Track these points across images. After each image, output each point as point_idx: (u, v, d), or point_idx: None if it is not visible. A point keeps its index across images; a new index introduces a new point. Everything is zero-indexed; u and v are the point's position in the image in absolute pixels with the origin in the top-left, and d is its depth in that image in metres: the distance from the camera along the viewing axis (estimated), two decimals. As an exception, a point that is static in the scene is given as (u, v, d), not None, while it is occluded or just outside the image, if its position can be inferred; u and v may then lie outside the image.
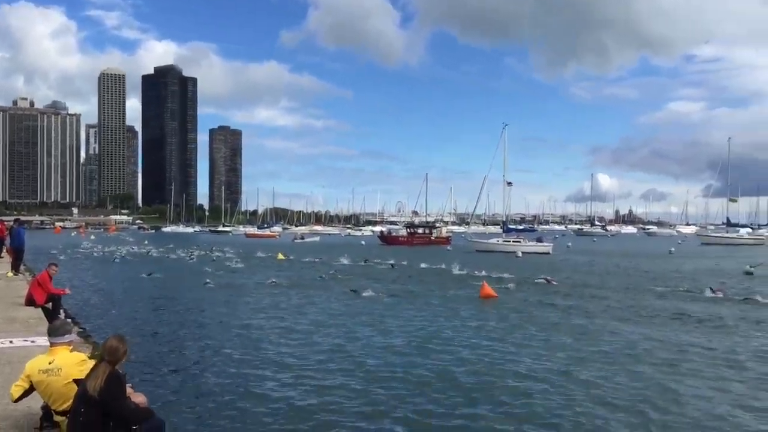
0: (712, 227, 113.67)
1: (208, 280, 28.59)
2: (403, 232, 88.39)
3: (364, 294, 24.27)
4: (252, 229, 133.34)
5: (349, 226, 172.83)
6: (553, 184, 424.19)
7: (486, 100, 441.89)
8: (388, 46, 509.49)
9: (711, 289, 24.50)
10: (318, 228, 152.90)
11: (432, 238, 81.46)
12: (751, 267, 34.65)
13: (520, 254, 53.83)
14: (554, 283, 28.18)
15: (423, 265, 39.81)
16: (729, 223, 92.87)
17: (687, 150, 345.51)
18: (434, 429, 8.79)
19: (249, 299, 23.23)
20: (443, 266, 38.40)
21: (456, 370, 12.11)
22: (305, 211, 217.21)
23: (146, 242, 76.09)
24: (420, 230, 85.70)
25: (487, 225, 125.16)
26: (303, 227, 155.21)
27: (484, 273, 31.74)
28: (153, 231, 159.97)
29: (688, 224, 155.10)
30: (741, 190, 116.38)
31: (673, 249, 67.01)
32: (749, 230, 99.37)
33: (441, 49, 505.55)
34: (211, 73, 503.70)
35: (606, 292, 25.72)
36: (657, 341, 15.08)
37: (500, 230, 68.87)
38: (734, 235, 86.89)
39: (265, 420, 9.09)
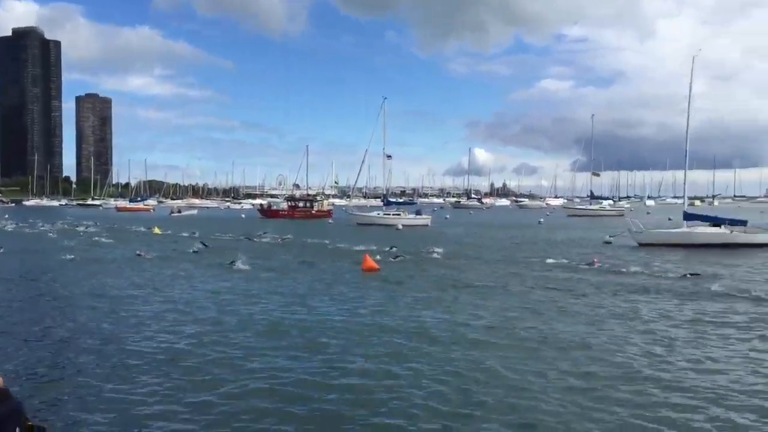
0: (578, 200, 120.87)
1: (71, 255, 27.09)
2: (284, 205, 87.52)
3: (241, 267, 23.94)
4: (124, 203, 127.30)
5: (228, 199, 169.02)
6: (433, 158, 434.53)
7: (367, 73, 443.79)
8: (269, 16, 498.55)
9: (593, 260, 25.59)
10: (196, 201, 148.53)
11: (313, 211, 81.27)
12: (610, 237, 37.12)
13: (400, 227, 54.86)
14: (437, 255, 28.80)
15: (304, 239, 39.71)
16: (592, 196, 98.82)
17: (556, 126, 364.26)
18: (301, 397, 8.81)
19: (117, 274, 22.30)
20: (325, 240, 38.46)
21: (332, 341, 12.18)
22: (182, 184, 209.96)
23: (6, 216, 70.96)
24: (301, 204, 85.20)
25: (369, 198, 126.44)
26: (180, 201, 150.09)
27: (365, 246, 32.07)
28: (13, 205, 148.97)
29: (556, 197, 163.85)
30: (604, 164, 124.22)
31: (542, 220, 70.93)
32: (611, 202, 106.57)
33: (323, 20, 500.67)
34: (78, 36, 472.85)
35: (483, 262, 26.71)
36: (529, 310, 15.85)
37: (381, 203, 69.59)
38: (597, 207, 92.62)
39: (132, 398, 8.76)
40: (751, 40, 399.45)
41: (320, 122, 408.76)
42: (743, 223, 35.50)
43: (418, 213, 63.21)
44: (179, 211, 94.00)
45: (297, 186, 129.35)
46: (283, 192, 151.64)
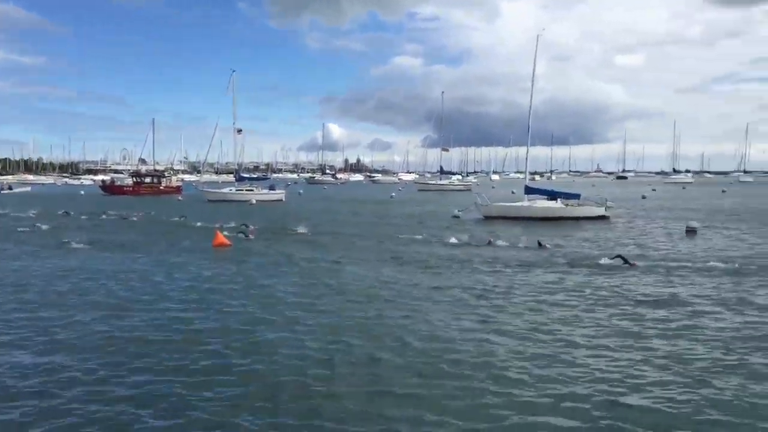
0: (429, 175, 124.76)
1: None
2: (129, 181, 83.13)
3: (77, 247, 22.49)
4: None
5: (66, 175, 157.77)
6: (288, 133, 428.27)
7: (218, 44, 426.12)
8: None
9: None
10: (29, 177, 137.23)
11: (161, 187, 77.85)
12: (459, 211, 38.70)
13: (254, 202, 54.10)
14: (293, 230, 28.50)
15: (151, 216, 37.98)
16: (442, 171, 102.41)
17: (409, 103, 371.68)
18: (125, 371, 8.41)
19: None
20: (173, 216, 36.98)
21: (179, 323, 11.72)
22: (12, 159, 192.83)
23: None
24: (147, 179, 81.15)
25: (220, 174, 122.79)
26: (10, 176, 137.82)
27: (216, 222, 31.14)
28: None
29: (408, 172, 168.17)
30: (453, 140, 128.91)
31: (393, 194, 72.69)
32: (459, 177, 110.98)
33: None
34: None
35: (339, 236, 26.81)
36: (382, 282, 16.10)
37: (233, 179, 67.88)
38: (446, 181, 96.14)
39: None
40: (586, 24, 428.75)
41: (168, 94, 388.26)
42: (576, 196, 38.24)
43: (271, 188, 62.38)
44: (10, 188, 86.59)
45: (143, 161, 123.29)
46: (128, 167, 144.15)
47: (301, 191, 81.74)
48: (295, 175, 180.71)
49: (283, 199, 58.88)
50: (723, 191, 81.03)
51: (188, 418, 7.36)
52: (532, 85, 39.19)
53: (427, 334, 10.87)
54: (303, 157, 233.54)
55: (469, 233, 27.12)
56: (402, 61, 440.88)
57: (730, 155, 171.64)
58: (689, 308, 12.87)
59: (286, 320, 11.88)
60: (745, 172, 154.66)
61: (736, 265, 18.37)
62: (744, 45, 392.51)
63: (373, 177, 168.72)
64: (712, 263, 18.85)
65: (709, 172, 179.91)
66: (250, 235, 26.58)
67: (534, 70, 39.26)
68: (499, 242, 23.99)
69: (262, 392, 8.14)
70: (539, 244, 22.95)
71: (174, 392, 8.13)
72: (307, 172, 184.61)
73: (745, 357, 9.59)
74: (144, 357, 9.57)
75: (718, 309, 12.80)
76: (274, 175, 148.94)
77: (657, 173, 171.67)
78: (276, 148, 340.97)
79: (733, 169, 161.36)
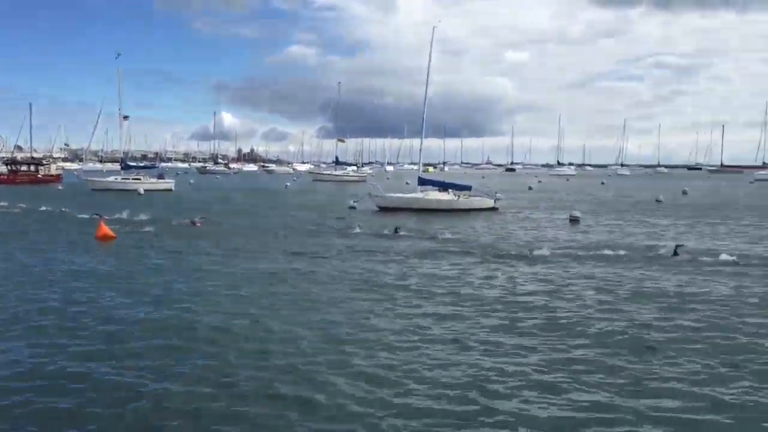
0: (324, 165, 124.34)
1: None
2: (3, 169, 77.75)
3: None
4: None
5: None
6: (178, 121, 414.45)
7: (103, 26, 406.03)
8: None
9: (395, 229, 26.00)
10: None
11: (39, 176, 73.42)
12: (354, 202, 38.74)
13: (141, 191, 51.93)
14: (178, 221, 27.51)
15: (28, 206, 35.70)
16: (338, 162, 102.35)
17: (305, 92, 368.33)
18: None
19: None
20: (52, 207, 34.92)
21: (50, 317, 11.09)
22: None
23: None
24: (24, 167, 76.29)
25: (105, 162, 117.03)
26: None
27: (100, 213, 29.63)
28: None
29: (303, 162, 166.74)
30: (349, 131, 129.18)
31: (288, 185, 71.99)
32: (354, 168, 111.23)
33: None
34: None
35: (229, 227, 26.18)
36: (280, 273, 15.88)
37: (119, 168, 64.83)
38: (341, 172, 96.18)
39: None
40: (478, 20, 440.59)
41: (47, 78, 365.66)
42: (468, 188, 39.17)
43: (160, 177, 60.20)
44: None
45: (19, 148, 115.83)
46: (3, 155, 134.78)
47: (192, 181, 79.38)
48: (186, 165, 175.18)
49: (173, 189, 56.99)
50: (603, 183, 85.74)
51: None
52: (428, 77, 39.81)
53: (319, 327, 10.81)
54: (194, 147, 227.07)
55: (364, 224, 27.22)
56: (297, 50, 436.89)
57: (610, 149, 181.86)
58: (577, 293, 13.51)
59: (168, 317, 11.48)
60: (622, 165, 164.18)
61: (621, 252, 19.46)
62: (622, 44, 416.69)
63: (268, 167, 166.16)
64: (602, 251, 19.84)
65: (590, 165, 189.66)
66: (140, 225, 25.51)
67: (429, 62, 39.89)
68: (403, 232, 24.25)
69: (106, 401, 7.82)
70: (436, 235, 23.42)
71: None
72: (199, 162, 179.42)
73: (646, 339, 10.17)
74: None
75: (610, 294, 13.51)
76: (164, 165, 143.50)
77: (543, 165, 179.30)
78: (166, 137, 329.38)
79: (612, 163, 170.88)
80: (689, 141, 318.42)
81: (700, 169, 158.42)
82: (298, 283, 14.60)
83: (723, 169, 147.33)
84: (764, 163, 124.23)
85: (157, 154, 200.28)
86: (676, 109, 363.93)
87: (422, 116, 40.59)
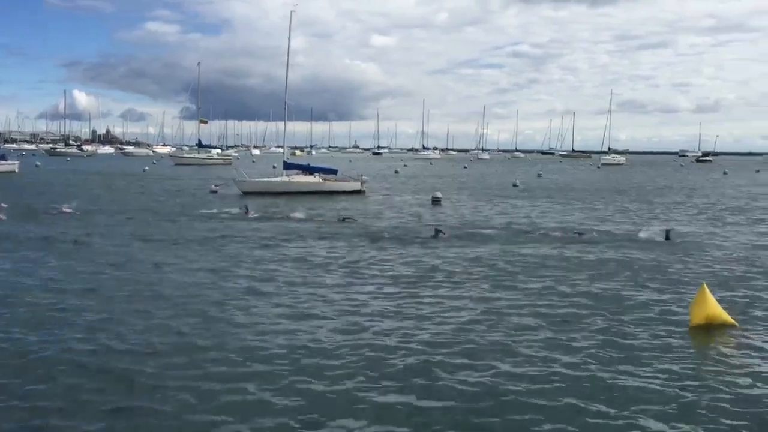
0: (187, 148, 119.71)
1: None
2: None
3: None
4: None
5: None
6: (25, 99, 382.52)
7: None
8: None
9: (245, 207, 25.29)
10: None
11: None
12: (215, 186, 37.45)
13: (-21, 175, 47.58)
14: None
15: None
16: (200, 145, 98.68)
17: (165, 71, 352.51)
18: None
19: None
20: None
21: None
22: None
23: None
24: None
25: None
26: None
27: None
28: None
29: (164, 145, 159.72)
30: (212, 113, 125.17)
31: (147, 168, 68.49)
32: (218, 151, 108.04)
33: None
34: None
35: (81, 212, 24.50)
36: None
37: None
38: (205, 155, 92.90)
39: None
40: (345, 3, 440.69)
41: None
42: (334, 171, 39.25)
43: (2, 158, 55.48)
44: None
45: None
46: None
47: (39, 163, 73.73)
48: (33, 146, 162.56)
49: (16, 171, 52.69)
50: (465, 167, 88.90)
51: None
52: (288, 60, 39.41)
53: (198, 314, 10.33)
54: (43, 127, 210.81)
55: (227, 208, 26.47)
56: (156, 27, 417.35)
57: (471, 134, 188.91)
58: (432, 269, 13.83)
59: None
60: (483, 150, 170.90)
61: (468, 223, 20.31)
62: (484, 33, 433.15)
63: (125, 149, 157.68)
64: (459, 222, 20.65)
65: (453, 150, 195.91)
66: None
67: (289, 45, 39.40)
68: (253, 213, 23.94)
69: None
70: (293, 216, 23.21)
71: None
72: (48, 143, 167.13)
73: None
74: None
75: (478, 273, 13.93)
76: (7, 146, 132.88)
77: (409, 150, 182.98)
78: (10, 116, 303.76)
79: (473, 147, 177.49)
80: (544, 127, 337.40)
81: (553, 154, 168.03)
82: (140, 273, 13.87)
83: (574, 154, 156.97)
84: (609, 148, 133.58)
85: (0, 134, 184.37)
86: (532, 97, 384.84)
87: (284, 98, 40.22)
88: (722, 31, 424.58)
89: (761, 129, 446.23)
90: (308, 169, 38.77)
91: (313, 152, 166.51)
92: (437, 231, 19.66)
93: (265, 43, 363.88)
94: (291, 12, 39.36)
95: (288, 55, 39.22)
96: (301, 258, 15.72)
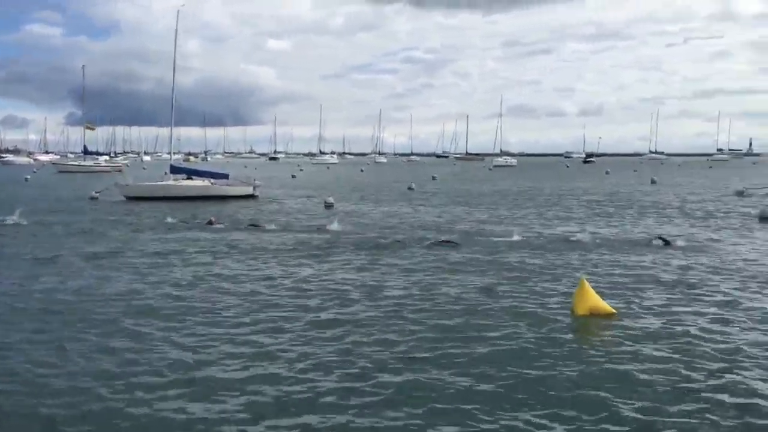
0: (72, 155, 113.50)
1: None
2: None
3: None
4: None
5: None
6: None
7: None
8: None
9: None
10: None
11: None
12: (96, 192, 35.38)
13: None
14: None
15: None
16: (86, 151, 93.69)
17: (49, 76, 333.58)
18: None
19: None
20: None
21: None
22: None
23: None
24: None
25: None
26: None
27: None
28: None
29: (47, 152, 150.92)
30: (100, 118, 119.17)
31: (28, 177, 64.20)
32: (107, 158, 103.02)
33: None
34: None
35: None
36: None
37: None
38: (92, 162, 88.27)
39: None
40: (240, 7, 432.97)
41: None
42: (225, 176, 38.19)
43: None
44: None
45: None
46: None
47: None
48: None
49: None
50: (362, 171, 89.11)
51: None
52: (174, 60, 37.99)
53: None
54: None
55: (105, 215, 25.02)
56: (37, 30, 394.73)
57: (368, 138, 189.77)
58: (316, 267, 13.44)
59: None
60: (380, 153, 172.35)
61: (359, 227, 20.17)
62: (378, 38, 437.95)
63: (3, 158, 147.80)
64: (349, 226, 20.80)
65: (350, 154, 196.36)
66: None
67: (175, 45, 38.10)
68: (134, 220, 22.71)
69: None
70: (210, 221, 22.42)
71: None
72: None
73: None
74: None
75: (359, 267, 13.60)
76: None
77: (306, 154, 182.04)
78: None
79: (370, 151, 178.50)
80: (438, 131, 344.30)
81: (447, 156, 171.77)
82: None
83: (467, 156, 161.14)
84: (501, 150, 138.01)
85: None
86: (426, 101, 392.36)
87: (177, 103, 38.94)
88: (602, 38, 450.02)
89: (638, 131, 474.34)
90: (197, 173, 37.52)
91: (208, 158, 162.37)
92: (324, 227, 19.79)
93: (157, 46, 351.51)
94: (177, 11, 37.99)
95: (175, 55, 37.91)
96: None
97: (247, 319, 10.11)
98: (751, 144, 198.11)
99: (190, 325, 9.81)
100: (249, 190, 36.76)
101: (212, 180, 36.67)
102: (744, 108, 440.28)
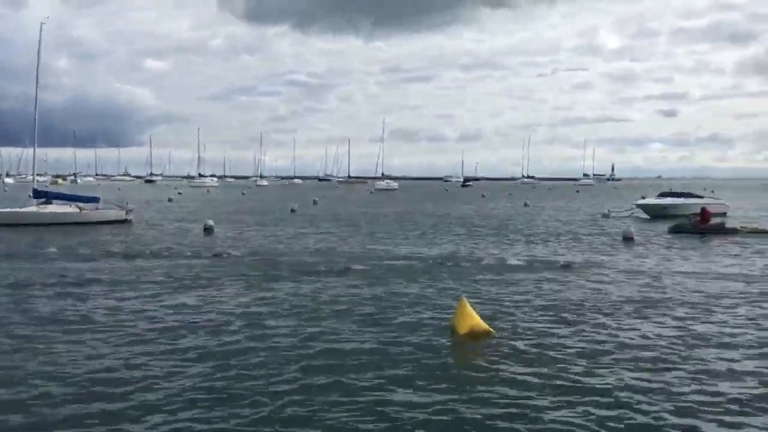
0: None
1: None
2: None
3: None
4: None
5: None
6: None
7: None
8: None
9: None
10: None
11: None
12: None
13: None
14: None
15: None
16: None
17: None
18: None
19: None
20: None
21: None
22: None
23: None
24: None
25: None
26: None
27: None
28: None
29: None
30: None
31: None
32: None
33: None
34: None
35: None
36: None
37: None
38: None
39: None
40: (115, 25, 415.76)
41: None
42: (95, 200, 36.04)
43: None
44: None
45: None
46: None
47: None
48: None
49: None
50: (243, 194, 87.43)
51: None
52: (37, 75, 35.63)
53: None
54: None
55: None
56: None
57: (250, 161, 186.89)
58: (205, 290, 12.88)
59: None
60: (261, 176, 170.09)
61: (241, 253, 19.56)
62: (261, 61, 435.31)
63: None
64: (230, 252, 20.41)
65: (231, 177, 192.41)
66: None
67: (38, 62, 35.57)
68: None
69: None
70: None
71: None
72: None
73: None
74: None
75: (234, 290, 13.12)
76: None
77: (184, 177, 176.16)
78: None
79: (252, 174, 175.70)
80: (321, 154, 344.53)
81: (330, 180, 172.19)
82: None
83: (350, 180, 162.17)
84: (383, 174, 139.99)
85: None
86: (309, 124, 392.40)
87: (45, 122, 36.56)
88: (477, 67, 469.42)
89: (513, 156, 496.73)
90: (64, 198, 35.25)
91: (78, 180, 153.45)
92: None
93: (22, 62, 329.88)
94: (41, 24, 35.65)
95: (38, 71, 35.43)
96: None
97: (107, 352, 9.49)
98: (613, 169, 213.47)
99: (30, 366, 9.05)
100: (121, 215, 34.90)
101: (81, 204, 34.51)
102: (604, 135, 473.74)
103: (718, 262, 19.88)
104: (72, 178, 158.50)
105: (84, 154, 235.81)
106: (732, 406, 7.48)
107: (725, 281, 16.29)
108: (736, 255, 21.74)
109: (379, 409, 7.34)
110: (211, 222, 31.31)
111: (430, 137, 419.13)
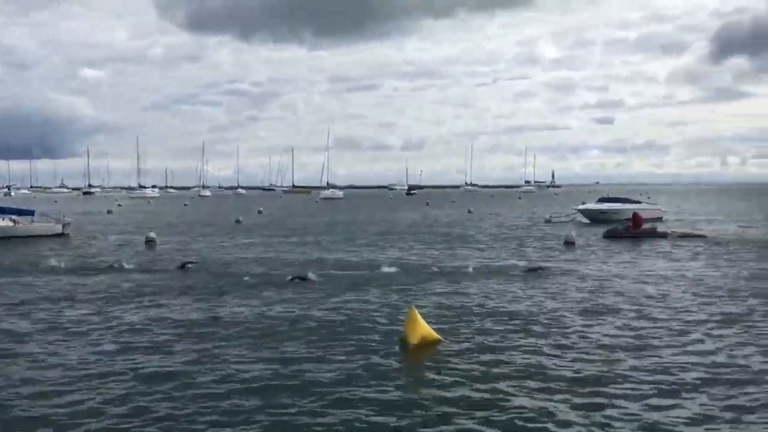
0: None
1: None
2: None
3: None
4: None
5: None
6: None
7: None
8: None
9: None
10: None
11: None
12: None
13: None
14: None
15: None
16: None
17: None
18: None
19: None
20: None
21: None
22: None
23: None
24: None
25: None
26: None
27: None
28: None
29: None
30: None
31: None
32: None
33: None
34: None
35: None
36: None
37: None
38: None
39: None
40: (49, 33, 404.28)
41: None
42: (31, 213, 34.91)
43: None
44: None
45: None
46: None
47: None
48: None
49: None
50: (185, 205, 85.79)
51: None
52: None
53: None
54: None
55: None
56: None
57: (192, 171, 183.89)
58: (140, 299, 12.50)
59: None
60: (204, 187, 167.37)
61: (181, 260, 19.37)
62: (201, 70, 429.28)
63: None
64: (173, 265, 20.09)
65: (173, 187, 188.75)
66: None
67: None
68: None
69: None
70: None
71: None
72: None
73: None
74: None
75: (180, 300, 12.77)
76: None
77: (124, 188, 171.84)
78: None
79: (194, 185, 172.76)
80: (265, 163, 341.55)
81: (274, 189, 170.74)
82: None
83: (294, 189, 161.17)
84: (328, 183, 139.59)
85: None
86: (252, 134, 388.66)
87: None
88: (420, 77, 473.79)
89: (456, 164, 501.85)
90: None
91: (12, 193, 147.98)
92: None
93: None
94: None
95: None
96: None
97: (42, 375, 9.12)
98: (553, 176, 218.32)
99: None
100: (58, 228, 33.75)
101: (15, 218, 33.27)
102: (545, 143, 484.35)
103: (647, 265, 20.69)
104: (6, 190, 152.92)
105: (18, 166, 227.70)
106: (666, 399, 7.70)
107: (657, 282, 16.95)
108: (664, 257, 22.66)
109: (329, 420, 7.26)
110: (152, 234, 30.54)
111: (374, 146, 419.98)
